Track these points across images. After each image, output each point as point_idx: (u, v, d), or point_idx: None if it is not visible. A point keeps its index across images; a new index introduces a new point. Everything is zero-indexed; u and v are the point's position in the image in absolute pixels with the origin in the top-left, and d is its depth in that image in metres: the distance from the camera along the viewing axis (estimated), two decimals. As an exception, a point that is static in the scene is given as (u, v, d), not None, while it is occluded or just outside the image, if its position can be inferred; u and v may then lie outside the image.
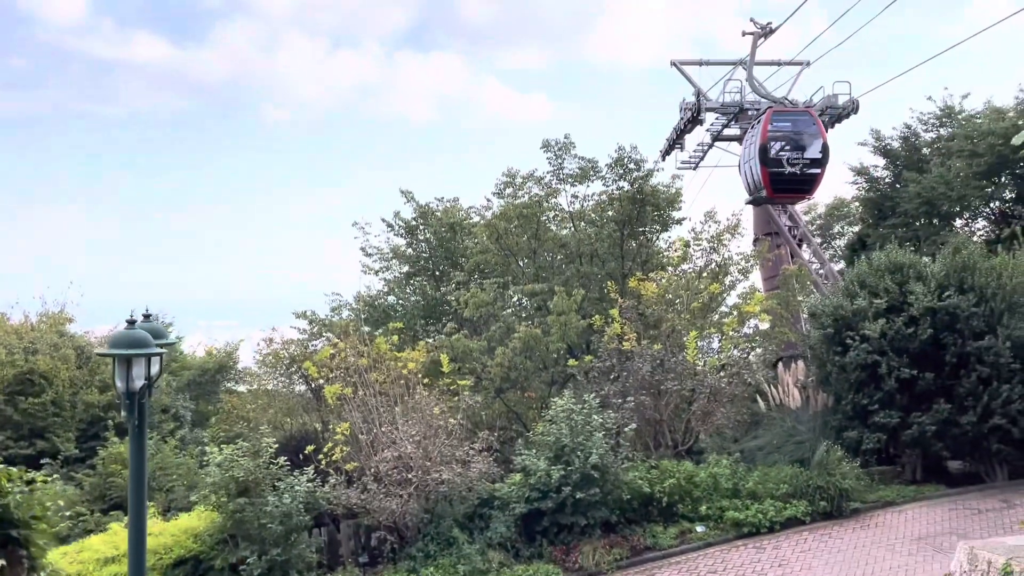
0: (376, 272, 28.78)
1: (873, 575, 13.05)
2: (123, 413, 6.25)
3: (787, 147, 27.51)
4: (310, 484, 14.52)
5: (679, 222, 23.41)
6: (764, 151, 27.56)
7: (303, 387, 26.06)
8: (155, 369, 6.88)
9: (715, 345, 20.51)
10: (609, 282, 19.64)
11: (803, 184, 28.37)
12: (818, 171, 28.12)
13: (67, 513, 16.71)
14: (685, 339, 17.89)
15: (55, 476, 18.55)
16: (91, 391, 21.91)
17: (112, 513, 16.29)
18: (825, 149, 28.38)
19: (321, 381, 17.90)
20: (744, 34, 34.46)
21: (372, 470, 15.47)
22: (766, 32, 33.70)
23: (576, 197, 22.50)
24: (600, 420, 15.74)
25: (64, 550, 14.17)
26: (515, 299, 21.69)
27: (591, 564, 14.57)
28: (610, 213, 21.70)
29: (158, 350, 6.29)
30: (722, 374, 18.43)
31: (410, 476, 15.00)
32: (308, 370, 17.87)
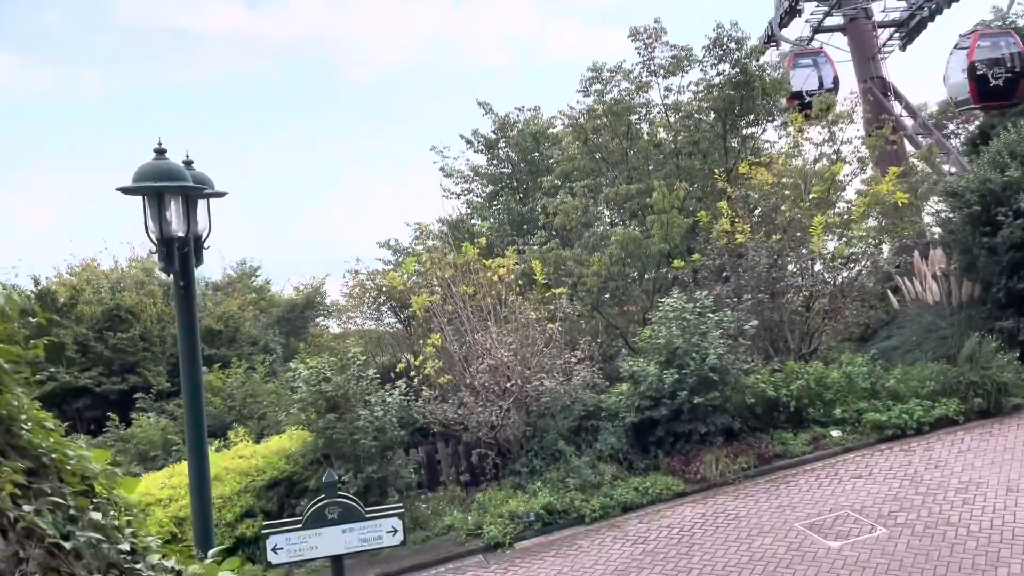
0: (457, 195, 27.52)
1: (1054, 474, 11.17)
2: (158, 265, 5.08)
3: (992, 64, 27.26)
4: (403, 397, 13.47)
5: (786, 111, 21.10)
6: (972, 69, 27.40)
7: (392, 319, 25.24)
8: (200, 223, 5.70)
9: (831, 246, 18.44)
10: (716, 170, 17.69)
11: (1007, 93, 28.01)
12: (1020, 79, 27.69)
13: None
14: (809, 228, 15.89)
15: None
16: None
17: (213, 441, 15.73)
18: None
19: (410, 299, 16.76)
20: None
21: (467, 383, 14.33)
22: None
23: (670, 90, 20.45)
24: (716, 318, 14.10)
25: (156, 476, 13.64)
26: (607, 206, 19.95)
27: (715, 474, 13.12)
28: (709, 103, 19.59)
29: (194, 185, 5.07)
30: (851, 265, 16.41)
31: (508, 386, 13.79)
32: (392, 282, 16.79)
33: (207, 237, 5.81)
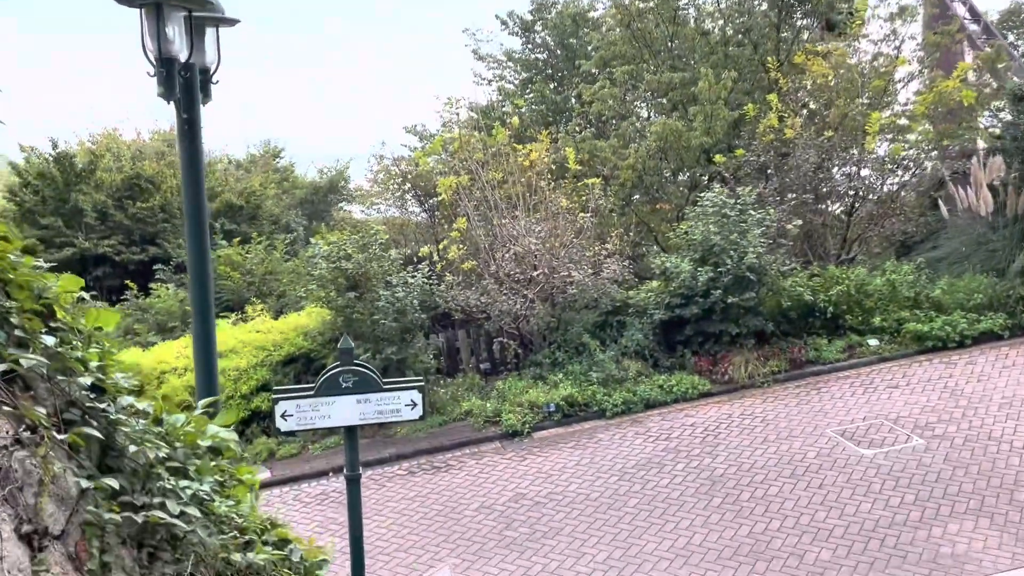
0: (489, 82, 26.34)
1: (1106, 395, 10.61)
2: (157, 90, 4.48)
3: None
4: (425, 280, 13.02)
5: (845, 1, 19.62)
6: None
7: (417, 208, 24.65)
8: (208, 54, 5.05)
9: (883, 149, 17.37)
10: (769, 58, 16.53)
11: None
12: None
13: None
14: (863, 126, 14.87)
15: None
16: (199, 198, 21.04)
17: (223, 315, 15.49)
18: None
19: (435, 185, 16.04)
20: None
21: (492, 270, 13.83)
22: None
23: (722, -26, 19.02)
24: (758, 216, 13.36)
25: (171, 345, 13.45)
26: (647, 96, 18.86)
27: (743, 376, 12.69)
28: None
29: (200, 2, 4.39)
30: (900, 172, 15.46)
31: (535, 275, 13.27)
32: (418, 160, 16.11)
33: (215, 71, 5.17)
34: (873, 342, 13.29)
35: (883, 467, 9.30)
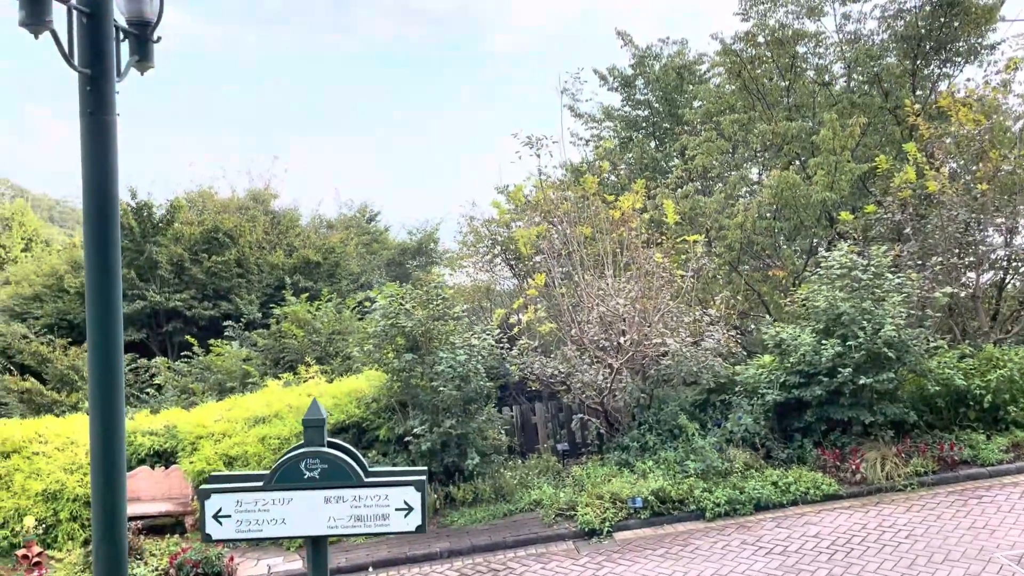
0: (586, 142, 24.99)
1: None
2: (19, 16, 3.02)
3: None
4: (493, 344, 11.31)
5: (993, 48, 17.29)
6: None
7: (508, 273, 23.26)
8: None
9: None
10: (907, 100, 14.32)
11: None
12: None
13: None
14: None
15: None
16: (277, 253, 20.31)
17: (283, 375, 14.21)
18: None
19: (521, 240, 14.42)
20: None
21: (573, 335, 12.01)
22: None
23: (847, 18, 17.06)
24: (897, 281, 11.09)
25: (213, 407, 12.13)
26: (758, 148, 16.86)
27: (879, 476, 10.25)
28: (898, 31, 16.09)
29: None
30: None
31: (622, 341, 11.35)
32: (499, 210, 14.64)
33: (155, 27, 3.72)
34: (1048, 441, 10.62)
35: (1092, 618, 6.77)
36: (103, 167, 3.35)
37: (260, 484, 3.66)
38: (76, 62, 3.31)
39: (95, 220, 3.36)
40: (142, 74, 3.78)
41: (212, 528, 3.67)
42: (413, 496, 3.64)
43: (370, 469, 3.82)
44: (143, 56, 3.72)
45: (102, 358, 3.46)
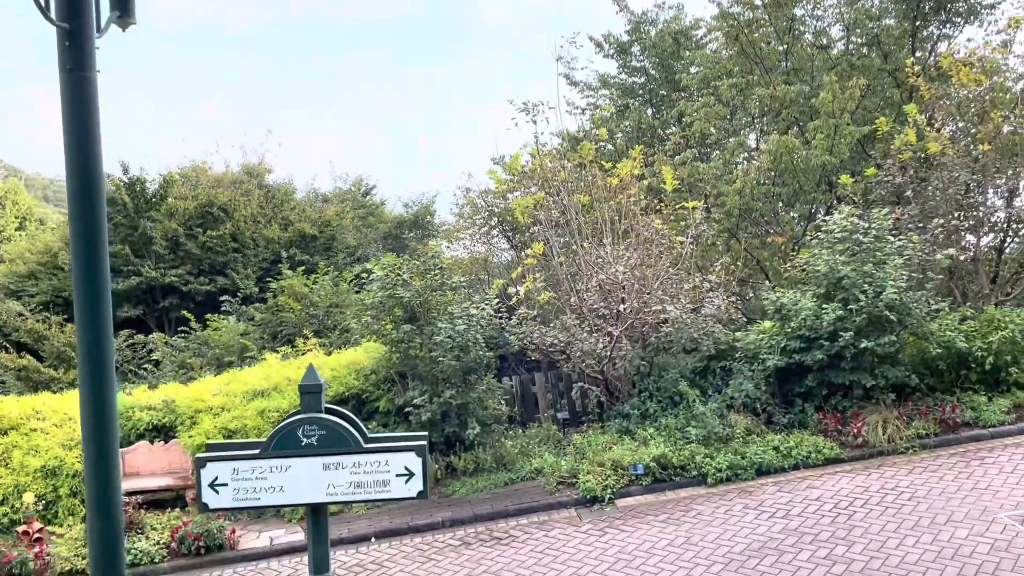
0: (583, 111, 24.71)
1: None
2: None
3: None
4: (490, 311, 11.23)
5: (993, 7, 17.04)
6: None
7: (505, 245, 23.11)
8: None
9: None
10: (908, 61, 14.13)
11: None
12: None
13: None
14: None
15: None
16: (272, 227, 20.17)
17: (281, 348, 14.14)
18: None
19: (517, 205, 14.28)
20: None
21: (572, 303, 11.92)
22: None
23: (846, -22, 16.80)
24: (898, 243, 10.99)
25: (211, 381, 12.06)
26: (757, 113, 16.67)
27: (880, 439, 10.23)
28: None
29: None
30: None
31: (622, 309, 11.26)
32: (495, 180, 14.49)
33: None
34: (1050, 401, 10.60)
35: (1095, 575, 6.76)
36: (84, 125, 3.24)
37: (256, 452, 3.59)
38: (53, 16, 3.17)
39: (78, 179, 3.26)
40: (123, 30, 3.64)
41: (209, 497, 3.59)
42: (414, 461, 3.57)
43: (369, 435, 3.74)
44: (124, 11, 3.58)
45: (90, 322, 3.35)
